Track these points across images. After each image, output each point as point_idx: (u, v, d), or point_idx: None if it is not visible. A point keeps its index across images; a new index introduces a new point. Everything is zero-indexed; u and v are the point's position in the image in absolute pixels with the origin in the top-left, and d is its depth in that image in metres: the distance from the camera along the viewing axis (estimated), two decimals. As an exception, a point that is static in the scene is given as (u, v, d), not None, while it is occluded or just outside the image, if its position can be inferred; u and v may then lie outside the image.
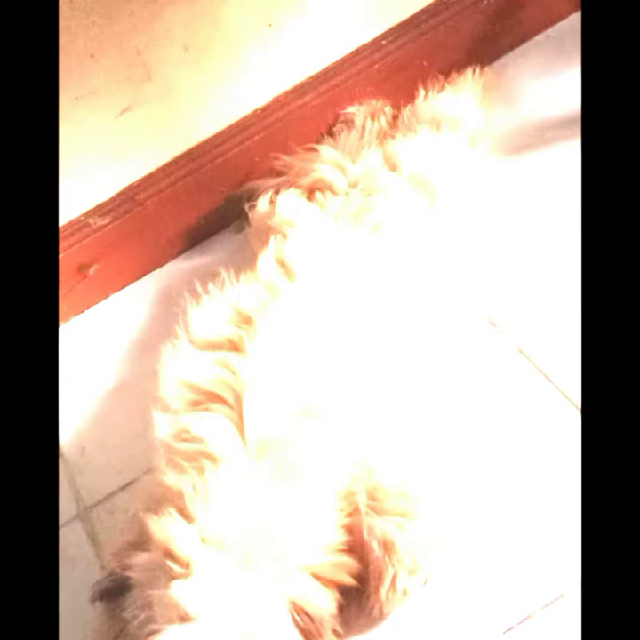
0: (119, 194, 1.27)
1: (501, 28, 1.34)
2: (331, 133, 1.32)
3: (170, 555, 0.79)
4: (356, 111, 1.30)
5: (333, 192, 1.12)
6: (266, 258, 1.03)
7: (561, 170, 1.17)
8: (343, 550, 0.84)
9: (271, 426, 0.86)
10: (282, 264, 1.02)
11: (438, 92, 1.27)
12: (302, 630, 0.81)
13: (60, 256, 1.25)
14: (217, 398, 0.90)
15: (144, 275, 1.35)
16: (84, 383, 1.22)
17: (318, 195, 1.13)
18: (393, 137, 1.21)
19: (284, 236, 1.05)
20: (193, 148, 1.28)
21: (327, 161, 1.18)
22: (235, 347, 0.94)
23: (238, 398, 0.88)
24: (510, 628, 0.83)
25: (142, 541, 0.85)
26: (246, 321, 0.96)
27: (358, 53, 1.29)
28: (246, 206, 1.22)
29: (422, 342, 1.01)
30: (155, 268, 1.35)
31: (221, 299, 1.00)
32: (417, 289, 1.02)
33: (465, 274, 1.09)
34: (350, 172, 1.14)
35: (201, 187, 1.29)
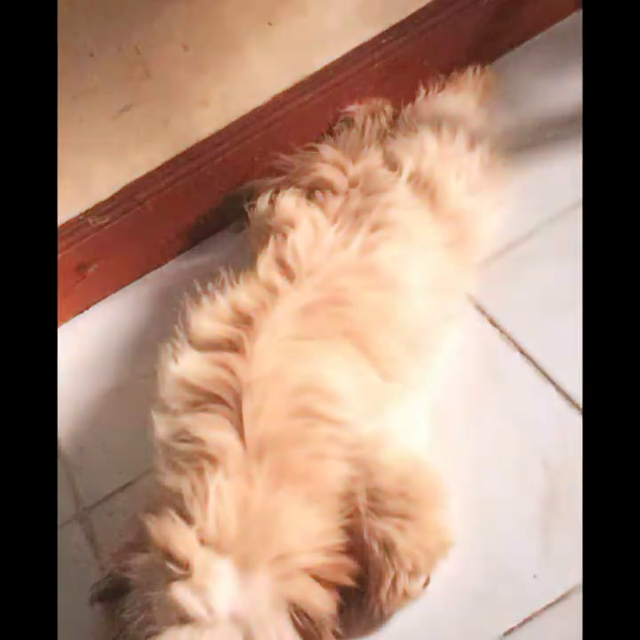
0: (118, 193, 1.27)
1: (502, 26, 1.34)
2: (331, 133, 1.31)
3: (169, 556, 0.79)
4: (357, 110, 1.30)
5: (333, 191, 1.12)
6: (265, 258, 1.03)
7: (562, 169, 1.17)
8: (343, 551, 0.84)
9: (271, 426, 0.86)
10: (282, 264, 1.01)
11: (439, 91, 1.27)
12: (302, 632, 0.81)
13: (59, 256, 1.25)
14: (216, 399, 0.90)
15: (143, 274, 1.35)
16: (82, 383, 1.22)
17: (318, 194, 1.12)
18: (393, 136, 1.20)
19: (284, 235, 1.05)
20: (192, 148, 1.28)
21: (327, 160, 1.17)
22: (234, 347, 0.93)
23: (238, 399, 0.88)
24: (510, 630, 0.83)
25: (141, 542, 0.85)
26: (246, 321, 0.95)
27: (358, 52, 1.29)
28: (246, 206, 1.22)
29: (423, 342, 1.01)
30: (154, 268, 1.35)
31: (221, 299, 0.99)
32: (417, 289, 1.02)
33: (465, 274, 1.09)
34: (350, 171, 1.14)
35: (200, 186, 1.29)
